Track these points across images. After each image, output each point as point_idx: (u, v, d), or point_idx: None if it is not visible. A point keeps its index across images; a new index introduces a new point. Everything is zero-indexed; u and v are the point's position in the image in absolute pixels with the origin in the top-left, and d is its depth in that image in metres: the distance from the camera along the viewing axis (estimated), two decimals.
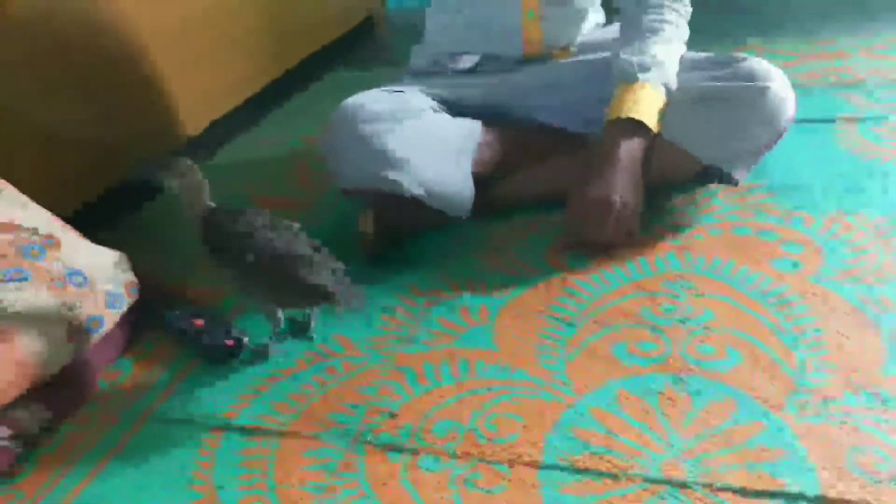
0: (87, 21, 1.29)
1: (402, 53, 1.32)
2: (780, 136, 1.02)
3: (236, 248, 0.84)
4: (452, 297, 0.99)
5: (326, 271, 0.82)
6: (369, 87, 1.16)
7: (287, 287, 0.84)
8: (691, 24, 1.14)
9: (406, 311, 0.98)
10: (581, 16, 1.21)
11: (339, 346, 0.93)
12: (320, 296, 0.82)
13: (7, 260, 0.89)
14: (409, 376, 0.86)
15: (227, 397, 0.87)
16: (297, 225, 0.88)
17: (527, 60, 1.22)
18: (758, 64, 1.03)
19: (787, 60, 1.57)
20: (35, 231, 0.94)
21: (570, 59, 1.21)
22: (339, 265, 0.85)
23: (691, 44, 1.13)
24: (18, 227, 0.93)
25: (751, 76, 1.01)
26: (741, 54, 1.07)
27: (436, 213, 1.08)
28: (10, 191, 0.96)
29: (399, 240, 1.13)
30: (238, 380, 0.90)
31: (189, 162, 0.87)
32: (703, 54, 1.11)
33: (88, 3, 1.29)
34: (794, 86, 1.01)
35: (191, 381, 0.91)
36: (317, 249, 0.85)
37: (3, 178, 0.97)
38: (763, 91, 0.99)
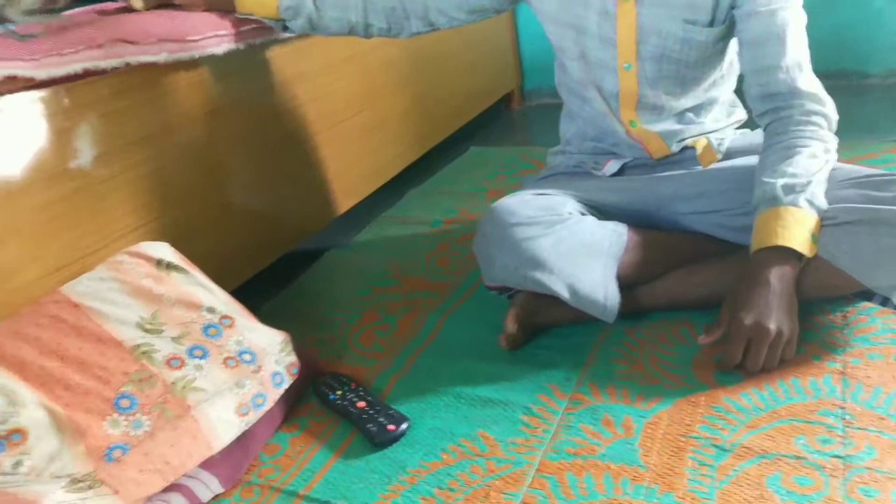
0: (264, 107, 1.42)
1: (538, 131, 1.36)
2: None
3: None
4: (594, 402, 1.00)
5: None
6: (505, 165, 1.20)
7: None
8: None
9: (548, 413, 1.00)
10: (684, 115, 1.21)
11: (482, 445, 0.96)
12: None
13: (191, 337, 0.98)
14: (553, 486, 0.87)
15: (377, 485, 0.92)
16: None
17: (666, 160, 1.24)
18: None
19: None
20: (213, 310, 1.03)
21: (716, 166, 1.21)
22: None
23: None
24: (200, 307, 1.02)
25: None
26: None
27: (579, 312, 1.10)
28: (195, 272, 1.06)
29: (540, 330, 1.16)
30: (389, 466, 0.94)
31: None
32: (857, 169, 1.07)
33: (267, 93, 1.42)
34: None
35: (343, 463, 0.97)
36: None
37: (182, 253, 1.08)
38: None
